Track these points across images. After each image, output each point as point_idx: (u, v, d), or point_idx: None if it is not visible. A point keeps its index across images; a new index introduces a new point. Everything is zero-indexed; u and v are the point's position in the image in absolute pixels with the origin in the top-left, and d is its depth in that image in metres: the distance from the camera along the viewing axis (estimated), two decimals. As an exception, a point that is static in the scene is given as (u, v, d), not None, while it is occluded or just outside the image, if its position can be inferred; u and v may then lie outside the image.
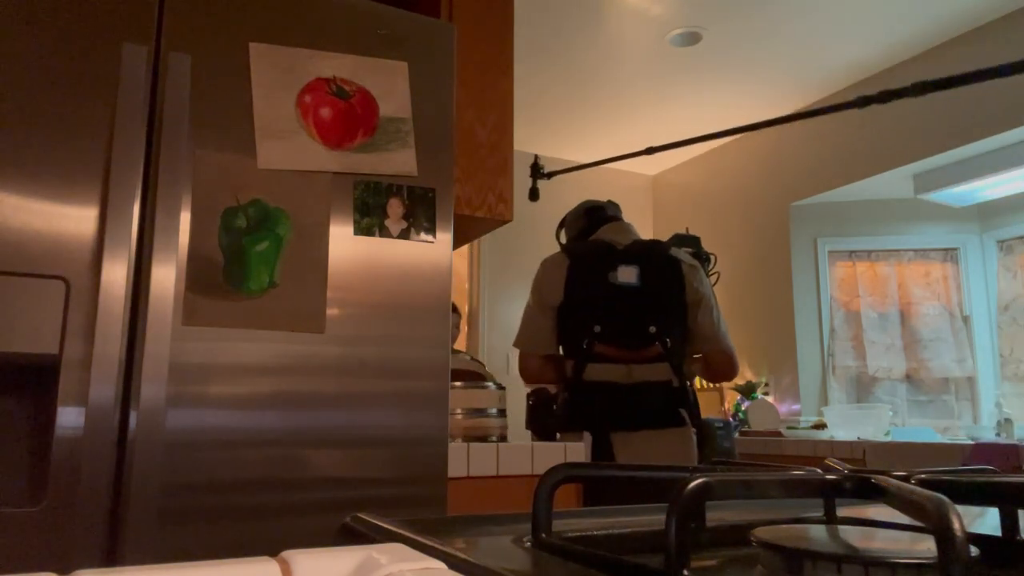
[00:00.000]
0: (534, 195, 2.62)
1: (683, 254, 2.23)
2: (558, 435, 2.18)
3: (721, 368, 2.25)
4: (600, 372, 2.07)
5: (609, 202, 2.37)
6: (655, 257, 2.17)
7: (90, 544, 1.09)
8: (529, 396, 2.38)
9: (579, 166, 2.63)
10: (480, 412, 2.09)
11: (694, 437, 2.09)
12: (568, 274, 2.13)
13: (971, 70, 1.81)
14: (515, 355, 4.51)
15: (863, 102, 1.90)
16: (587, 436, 2.03)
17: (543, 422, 2.23)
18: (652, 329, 2.08)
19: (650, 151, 2.44)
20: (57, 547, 1.08)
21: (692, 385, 2.18)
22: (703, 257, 2.63)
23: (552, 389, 2.37)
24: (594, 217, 2.31)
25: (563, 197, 4.82)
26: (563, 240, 2.40)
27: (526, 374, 2.23)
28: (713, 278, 2.41)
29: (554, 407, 2.19)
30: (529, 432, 2.67)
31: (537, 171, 2.62)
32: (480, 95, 1.84)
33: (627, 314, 2.09)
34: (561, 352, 2.20)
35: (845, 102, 1.93)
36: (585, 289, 2.11)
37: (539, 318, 2.18)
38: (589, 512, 0.65)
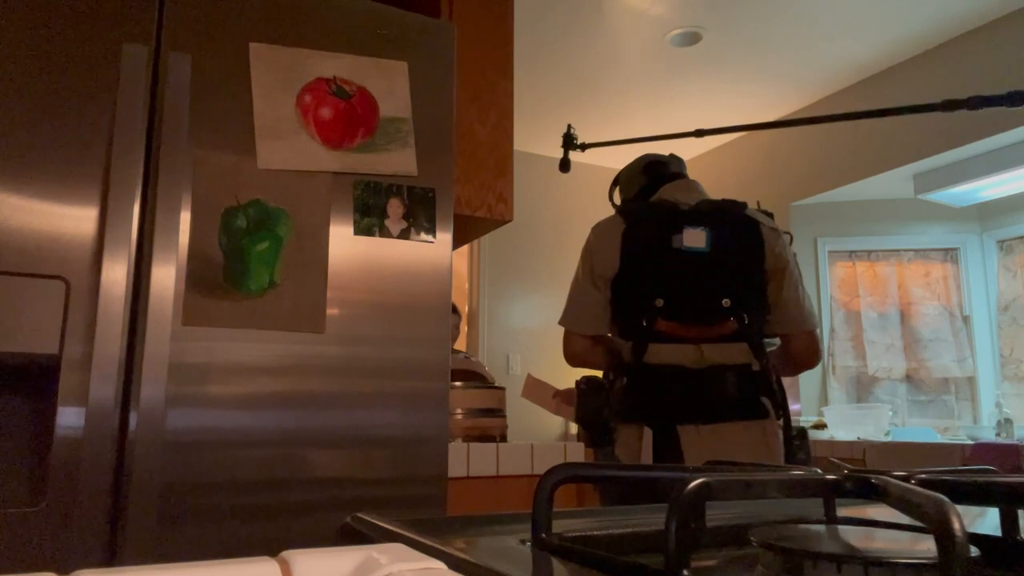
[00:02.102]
0: (565, 166, 2.36)
1: (761, 215, 1.87)
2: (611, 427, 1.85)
3: (806, 356, 1.87)
4: (665, 354, 1.74)
5: (672, 156, 2.02)
6: (728, 217, 1.82)
7: (90, 544, 1.09)
8: (579, 382, 2.07)
9: (617, 141, 2.41)
10: (480, 412, 2.09)
11: (780, 432, 1.75)
12: (624, 239, 1.80)
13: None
14: (515, 355, 4.55)
15: (951, 106, 1.74)
16: (647, 431, 1.73)
17: (596, 412, 1.91)
18: (726, 302, 1.74)
19: (699, 133, 2.24)
20: (57, 547, 1.08)
21: (776, 369, 1.83)
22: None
23: (602, 375, 2.02)
24: (655, 174, 1.96)
25: (564, 193, 4.83)
26: (617, 203, 2.05)
27: (571, 357, 1.93)
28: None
29: (609, 396, 1.87)
30: (578, 428, 2.25)
31: (570, 141, 2.35)
32: (480, 95, 1.84)
33: (696, 284, 1.76)
34: (616, 332, 1.89)
35: (929, 103, 1.78)
36: (645, 256, 1.78)
37: (589, 292, 1.84)
38: (589, 512, 0.65)
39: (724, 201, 1.87)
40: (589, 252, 1.86)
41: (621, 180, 2.07)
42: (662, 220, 1.80)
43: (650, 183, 1.95)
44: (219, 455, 1.21)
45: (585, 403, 1.93)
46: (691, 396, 1.71)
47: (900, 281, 4.09)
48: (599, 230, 1.87)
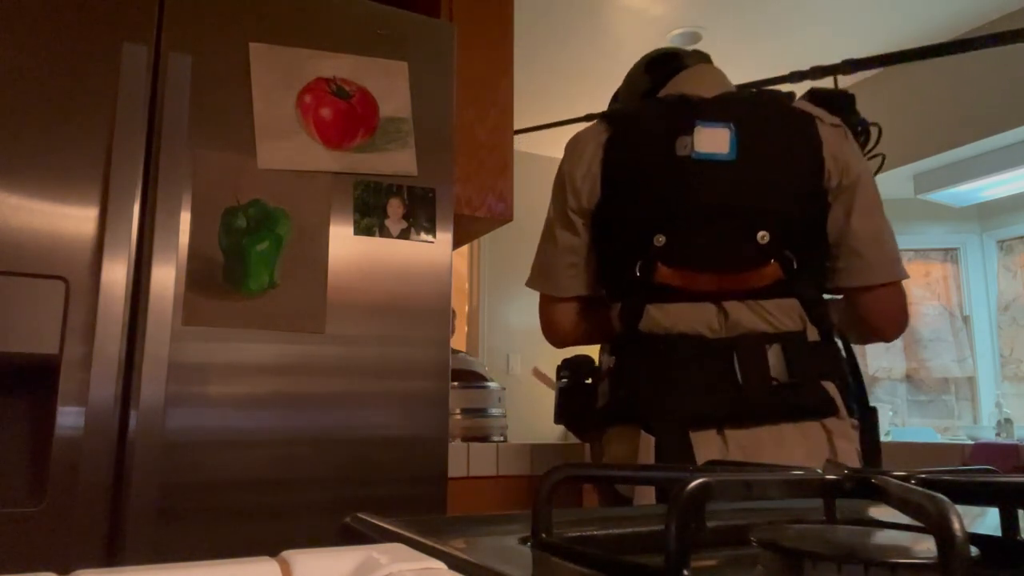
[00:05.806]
0: None
1: (817, 109, 1.26)
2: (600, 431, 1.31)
3: (886, 320, 1.26)
4: (670, 318, 1.17)
5: (695, 52, 1.43)
6: (764, 111, 1.23)
7: (90, 544, 1.09)
8: (561, 369, 1.50)
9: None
10: (480, 412, 2.09)
11: (856, 434, 1.17)
12: (607, 152, 1.25)
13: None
14: (515, 355, 4.54)
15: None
16: (645, 438, 1.14)
17: (581, 411, 1.40)
18: (763, 236, 1.16)
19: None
20: (57, 547, 1.08)
21: (843, 337, 1.26)
22: (856, 128, 1.33)
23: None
24: (664, 69, 1.36)
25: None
26: None
27: (552, 330, 1.40)
28: (873, 163, 1.35)
29: (599, 385, 1.34)
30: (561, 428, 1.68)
31: None
32: (480, 95, 1.84)
33: (715, 211, 1.18)
34: (606, 291, 1.34)
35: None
36: (637, 173, 1.22)
37: (562, 236, 1.32)
38: (589, 512, 0.65)
39: (759, 91, 1.32)
40: (561, 179, 1.33)
41: (621, 93, 1.50)
42: (663, 119, 1.23)
43: (656, 84, 1.36)
44: (219, 455, 1.21)
45: (569, 400, 1.45)
46: (711, 383, 1.14)
47: (900, 281, 4.09)
48: (574, 145, 1.32)
